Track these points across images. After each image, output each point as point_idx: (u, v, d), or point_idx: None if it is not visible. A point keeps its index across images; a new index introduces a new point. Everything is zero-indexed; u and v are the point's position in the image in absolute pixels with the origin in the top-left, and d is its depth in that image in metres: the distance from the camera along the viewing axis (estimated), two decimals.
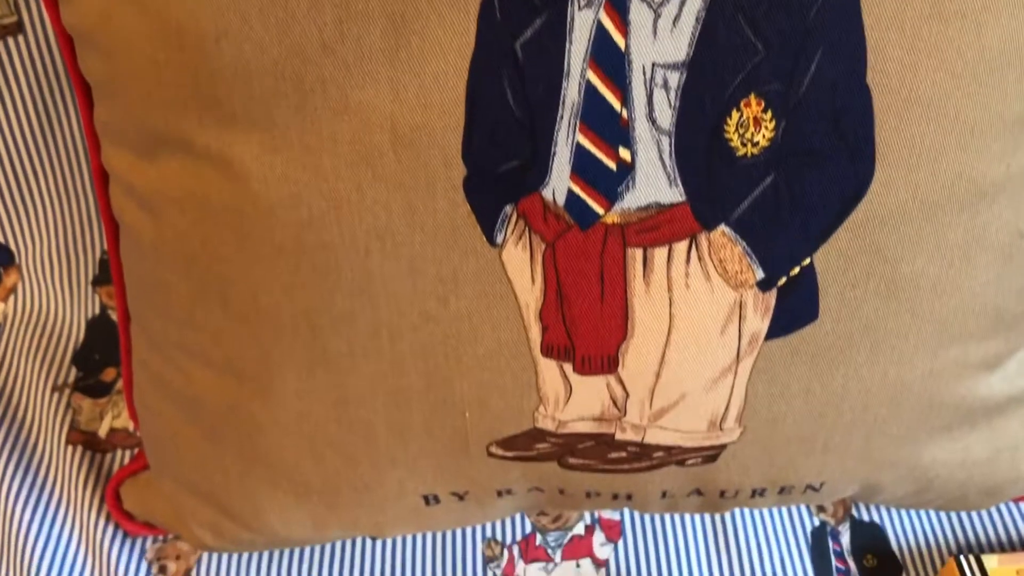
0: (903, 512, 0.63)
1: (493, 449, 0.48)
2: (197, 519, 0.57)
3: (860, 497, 0.56)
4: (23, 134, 0.70)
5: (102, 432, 0.68)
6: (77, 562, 0.62)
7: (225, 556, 0.62)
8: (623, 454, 0.47)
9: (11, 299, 0.73)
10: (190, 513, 0.57)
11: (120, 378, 0.70)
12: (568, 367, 0.44)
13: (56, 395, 0.69)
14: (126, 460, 0.66)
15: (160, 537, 0.63)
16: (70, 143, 0.70)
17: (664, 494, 0.51)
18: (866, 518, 0.63)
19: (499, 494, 0.51)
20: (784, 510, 0.63)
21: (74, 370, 0.71)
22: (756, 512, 0.63)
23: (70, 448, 0.67)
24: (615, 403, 0.45)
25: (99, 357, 0.71)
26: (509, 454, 0.47)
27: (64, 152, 0.71)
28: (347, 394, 0.46)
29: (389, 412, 0.46)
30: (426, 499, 0.51)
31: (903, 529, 0.62)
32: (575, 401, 0.45)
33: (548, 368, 0.44)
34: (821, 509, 0.63)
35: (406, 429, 0.47)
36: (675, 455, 0.47)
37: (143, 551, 0.63)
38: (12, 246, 0.73)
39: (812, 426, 0.47)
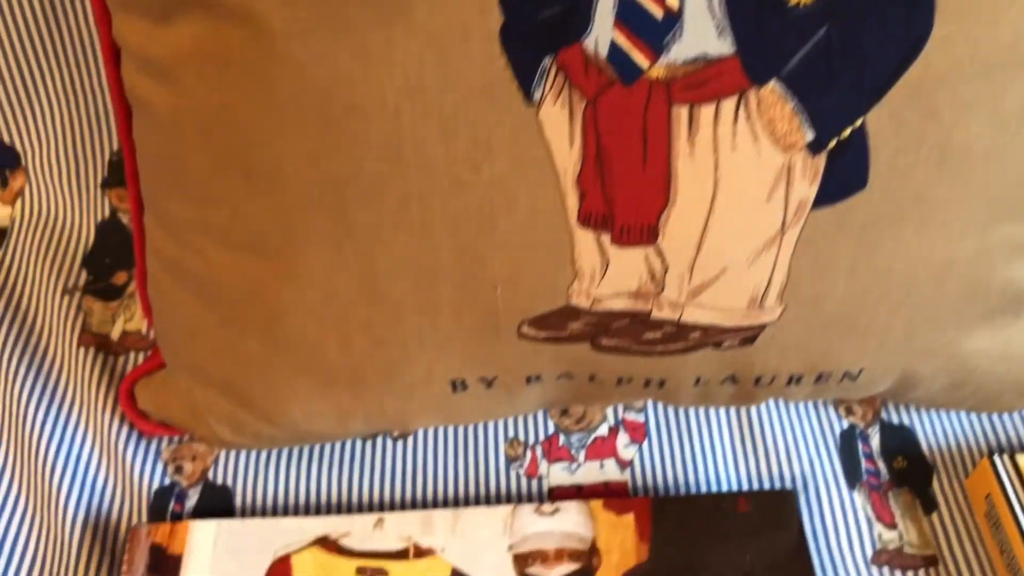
0: (933, 415, 0.62)
1: (524, 329, 0.46)
2: (215, 414, 0.56)
3: (895, 392, 0.55)
4: (28, 32, 0.68)
5: (114, 335, 0.66)
6: (92, 462, 0.61)
7: (243, 456, 0.61)
8: (658, 334, 0.46)
9: (18, 202, 0.72)
10: (207, 408, 0.56)
11: (131, 282, 0.69)
12: (606, 238, 0.42)
13: (67, 298, 0.67)
14: (139, 362, 0.65)
15: (176, 438, 0.62)
16: (77, 41, 0.68)
17: (697, 381, 0.50)
18: (896, 421, 0.62)
19: (528, 381, 0.50)
20: (813, 413, 0.62)
21: (84, 273, 0.69)
22: (784, 414, 0.61)
23: (82, 350, 0.65)
24: (653, 278, 0.44)
25: (109, 261, 0.69)
26: (541, 334, 0.46)
27: (71, 50, 0.68)
28: (375, 271, 0.45)
29: (419, 290, 0.45)
30: (454, 385, 0.50)
31: (933, 431, 0.61)
32: (611, 275, 0.43)
33: (584, 239, 0.42)
34: (850, 412, 0.62)
35: (436, 308, 0.45)
36: (712, 336, 0.46)
37: (159, 452, 0.62)
38: (18, 148, 0.71)
39: (855, 306, 0.45)
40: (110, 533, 0.59)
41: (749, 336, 0.46)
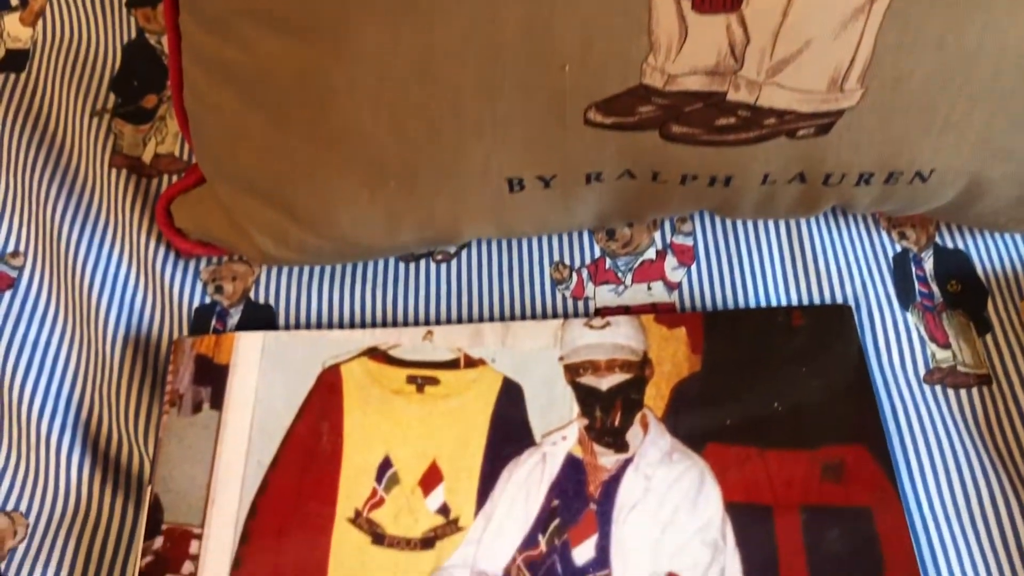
0: (989, 238, 0.60)
1: (591, 115, 0.44)
2: (258, 225, 0.54)
3: (959, 204, 0.53)
4: None
5: (146, 157, 0.64)
6: (130, 282, 0.59)
7: (284, 275, 0.60)
8: (732, 120, 0.44)
9: (39, 23, 0.69)
10: (250, 219, 0.55)
11: (162, 105, 0.66)
12: (686, 4, 0.40)
13: (95, 120, 0.65)
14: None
15: (215, 258, 0.61)
16: None
17: (765, 178, 0.48)
18: (950, 245, 0.60)
19: (587, 180, 0.48)
20: (865, 236, 0.60)
21: (112, 96, 0.67)
22: (836, 237, 0.60)
23: (114, 171, 0.63)
24: (732, 52, 0.41)
25: (138, 83, 0.67)
26: (608, 120, 0.44)
27: None
28: (434, 50, 0.43)
29: (480, 69, 0.43)
30: (510, 183, 0.48)
31: (989, 255, 0.60)
32: (689, 48, 0.41)
33: (663, 6, 0.40)
34: (903, 236, 0.61)
35: (497, 90, 0.43)
36: (787, 123, 0.44)
37: (197, 272, 0.60)
38: None
39: (936, 92, 0.43)
40: (151, 350, 0.58)
41: (825, 124, 0.44)
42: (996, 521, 0.51)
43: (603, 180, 0.49)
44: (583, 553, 0.48)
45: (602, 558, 0.48)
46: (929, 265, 0.60)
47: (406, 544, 0.48)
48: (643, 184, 0.49)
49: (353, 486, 0.50)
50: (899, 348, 0.57)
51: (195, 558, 0.48)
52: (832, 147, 0.46)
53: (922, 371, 0.56)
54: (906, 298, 0.58)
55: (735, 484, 0.49)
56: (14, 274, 0.60)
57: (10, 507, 0.53)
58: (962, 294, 0.59)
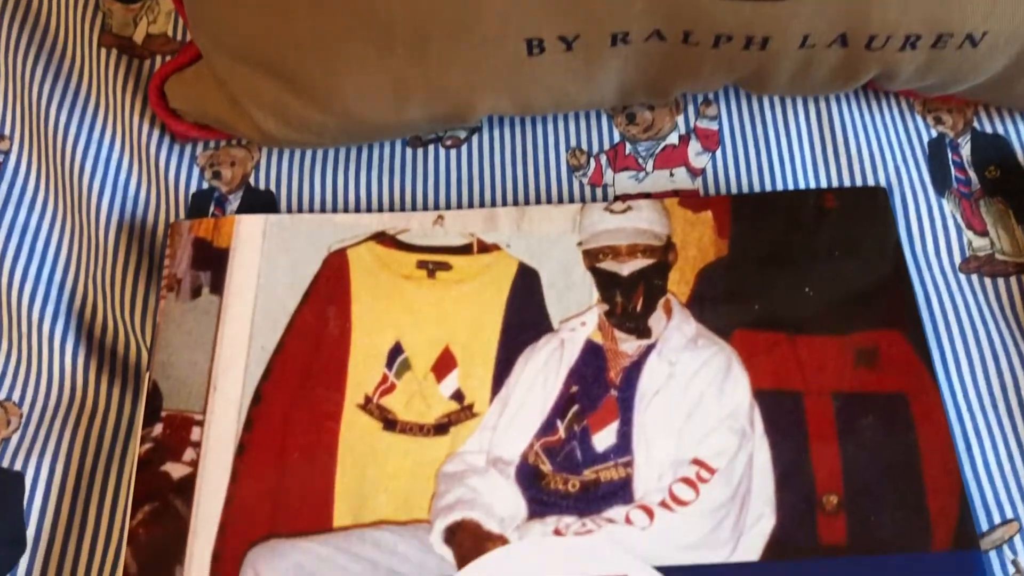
0: None
1: None
2: (257, 100, 0.51)
3: (1008, 78, 0.50)
4: None
5: (137, 37, 0.61)
6: (123, 165, 0.56)
7: (286, 160, 0.57)
8: None
9: None
10: (249, 95, 0.51)
11: None
12: None
13: None
14: None
15: (212, 142, 0.58)
16: None
17: (805, 40, 0.45)
18: (989, 130, 0.57)
19: (613, 41, 0.45)
20: (899, 121, 0.57)
21: None
22: (868, 121, 0.57)
23: (103, 51, 0.60)
24: None
25: None
26: None
27: None
28: None
29: None
30: (529, 45, 0.45)
31: None
32: None
33: None
34: (939, 121, 0.57)
35: None
36: None
37: (194, 157, 0.57)
38: None
39: None
40: (147, 236, 0.55)
41: None
42: None
43: (630, 42, 0.45)
44: (604, 439, 0.46)
45: (624, 444, 0.46)
46: (966, 151, 0.57)
47: (419, 430, 0.46)
48: (672, 48, 0.46)
49: (362, 372, 0.47)
50: (934, 236, 0.54)
51: (197, 445, 0.46)
52: (877, 5, 0.42)
53: (957, 260, 0.53)
54: (942, 184, 0.55)
55: (764, 370, 0.47)
56: (0, 158, 0.57)
57: (2, 396, 0.50)
58: (1001, 180, 0.56)
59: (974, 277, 0.53)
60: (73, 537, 0.47)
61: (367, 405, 0.47)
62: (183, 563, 0.43)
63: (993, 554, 0.46)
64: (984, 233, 0.54)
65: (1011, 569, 0.46)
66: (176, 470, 0.45)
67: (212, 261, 0.51)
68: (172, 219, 0.55)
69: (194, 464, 0.45)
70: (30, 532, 0.47)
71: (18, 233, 0.54)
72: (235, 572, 0.43)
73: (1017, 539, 0.46)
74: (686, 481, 0.45)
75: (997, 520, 0.47)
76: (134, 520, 0.44)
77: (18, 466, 0.48)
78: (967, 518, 0.43)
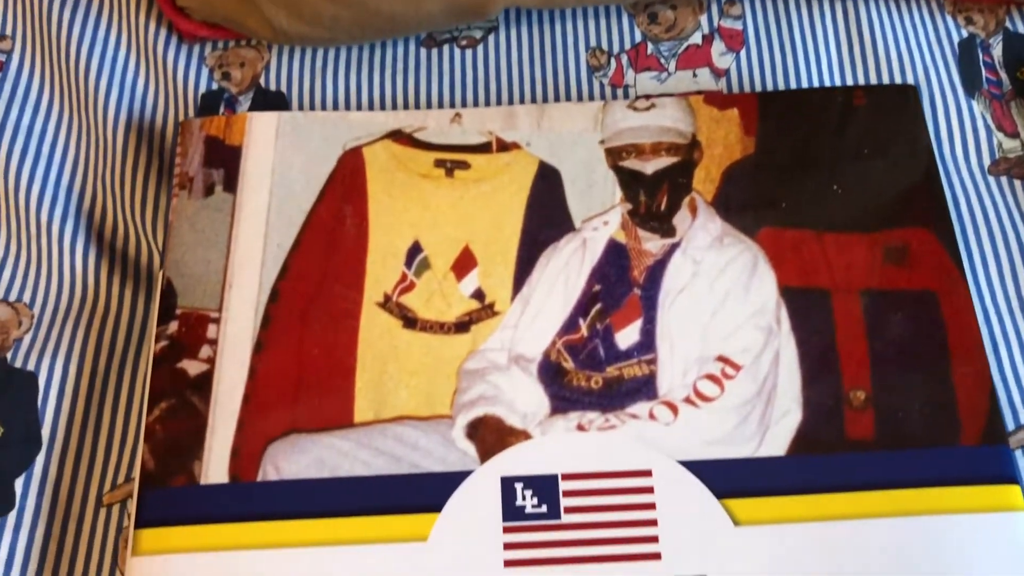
0: None
1: None
2: None
3: None
4: None
5: None
6: (129, 65, 0.55)
7: (297, 60, 0.55)
8: None
9: None
10: None
11: None
12: None
13: None
14: None
15: (220, 43, 0.56)
16: None
17: None
18: (1021, 30, 0.56)
19: None
20: (928, 21, 0.55)
21: None
22: (896, 21, 0.55)
23: None
24: None
25: None
26: None
27: None
28: None
29: None
30: None
31: None
32: None
33: None
34: (970, 22, 0.56)
35: None
36: None
37: (203, 57, 0.55)
38: None
39: None
40: (156, 137, 0.53)
41: None
42: None
43: None
44: (627, 337, 0.45)
45: (647, 342, 0.45)
46: (997, 51, 0.55)
47: (439, 328, 0.45)
48: None
49: (381, 270, 0.47)
50: (963, 137, 0.53)
51: (213, 342, 0.45)
52: None
53: (987, 161, 0.52)
54: (972, 85, 0.54)
55: (791, 268, 0.46)
56: (2, 58, 0.55)
57: (12, 298, 0.50)
58: None
59: (1003, 179, 0.52)
60: (88, 435, 0.46)
61: (386, 303, 0.46)
62: (201, 459, 0.43)
63: (1019, 453, 0.46)
64: (1015, 135, 0.53)
65: None
66: (192, 367, 0.45)
67: (225, 159, 0.49)
68: (182, 118, 0.54)
69: (211, 361, 0.45)
70: (45, 431, 0.46)
71: (23, 134, 0.53)
72: (254, 468, 0.42)
73: None
74: (711, 378, 0.44)
75: (1023, 422, 0.46)
76: (151, 416, 0.43)
77: (31, 366, 0.47)
78: (996, 414, 0.43)
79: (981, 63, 0.54)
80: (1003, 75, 0.54)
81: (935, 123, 0.53)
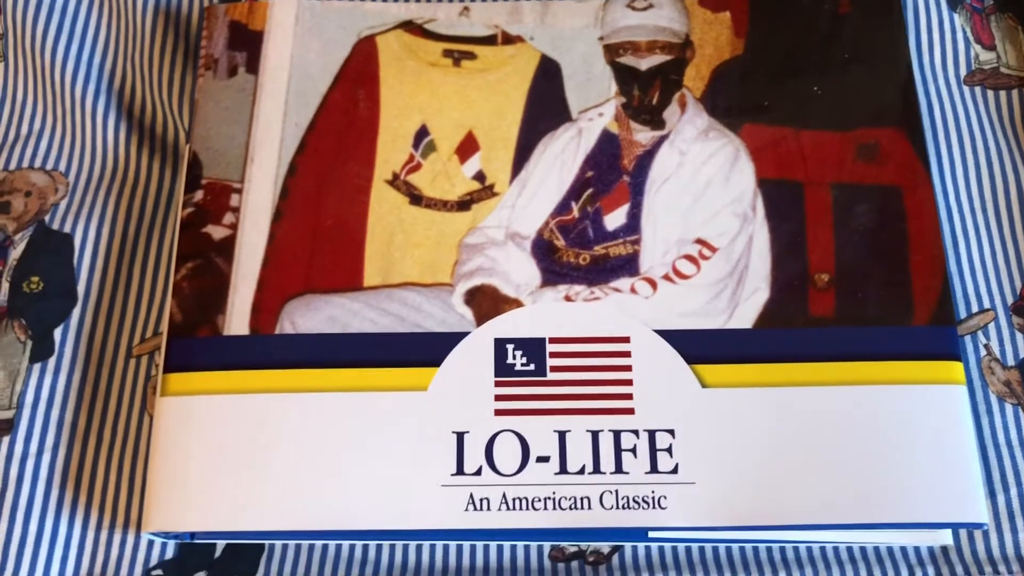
0: None
1: None
2: None
3: None
4: None
5: None
6: None
7: None
8: None
9: None
10: None
11: None
12: None
13: None
14: None
15: None
16: None
17: None
18: None
19: None
20: None
21: None
22: None
23: None
24: None
25: None
26: None
27: None
28: None
29: None
30: None
31: None
32: None
33: None
34: None
35: None
36: None
37: None
38: None
39: None
40: (182, 20, 0.57)
41: None
42: (1021, 217, 0.52)
43: None
44: (615, 219, 0.49)
45: (633, 224, 0.49)
46: None
47: (443, 205, 0.49)
48: None
49: (390, 151, 0.50)
50: (942, 48, 0.56)
51: (236, 210, 0.49)
52: None
53: (963, 72, 0.55)
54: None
55: (769, 161, 0.50)
56: None
57: (50, 166, 0.54)
58: None
59: (977, 89, 0.55)
60: (120, 292, 0.51)
61: (395, 181, 0.50)
62: (224, 313, 0.47)
63: (968, 339, 0.50)
64: (991, 47, 0.56)
65: (983, 352, 0.50)
66: (217, 232, 0.49)
67: (247, 42, 0.53)
68: (206, 5, 0.57)
69: (233, 227, 0.49)
70: (80, 287, 0.51)
71: (58, 14, 0.56)
72: (273, 322, 0.47)
73: (991, 326, 0.50)
74: (689, 258, 0.48)
75: (975, 310, 0.51)
76: (178, 275, 0.48)
77: (67, 228, 0.52)
78: (947, 299, 0.47)
79: None
80: None
81: (917, 33, 0.56)
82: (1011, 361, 0.49)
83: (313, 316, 0.47)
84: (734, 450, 0.44)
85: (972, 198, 0.53)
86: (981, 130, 0.54)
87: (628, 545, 0.47)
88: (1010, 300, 0.51)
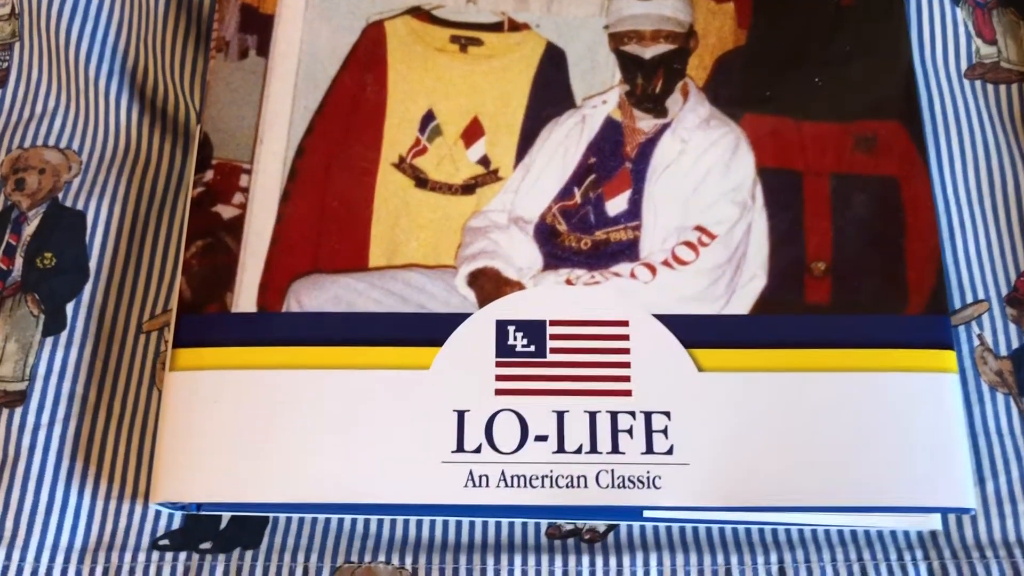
0: None
1: None
2: None
3: None
4: None
5: None
6: None
7: None
8: None
9: None
10: None
11: None
12: None
13: None
14: None
15: None
16: None
17: None
18: None
19: None
20: None
21: None
22: None
23: None
24: None
25: None
26: None
27: None
28: None
29: None
30: None
31: None
32: None
33: None
34: None
35: None
36: None
37: None
38: None
39: None
40: (195, 2, 0.58)
41: None
42: (1017, 210, 0.53)
43: None
44: (616, 205, 0.50)
45: (634, 211, 0.50)
46: None
47: (448, 189, 0.50)
48: None
49: (397, 134, 0.51)
50: (944, 42, 0.56)
51: (245, 190, 0.50)
52: None
53: (964, 66, 0.56)
54: None
55: (769, 151, 0.50)
56: None
57: (63, 144, 0.55)
58: None
59: (977, 83, 0.56)
60: (131, 269, 0.52)
61: (401, 164, 0.51)
62: (232, 290, 0.48)
63: (962, 329, 0.51)
64: (993, 42, 0.56)
65: (976, 341, 0.51)
66: (226, 211, 0.50)
67: (258, 25, 0.54)
68: None
69: (242, 207, 0.50)
70: (92, 263, 0.52)
71: None
72: (279, 300, 0.48)
73: (985, 317, 0.51)
74: (688, 244, 0.49)
75: (970, 300, 0.51)
76: (188, 253, 0.49)
77: (80, 206, 0.53)
78: (941, 289, 0.48)
79: None
80: None
81: (919, 27, 0.56)
82: (1004, 351, 0.50)
83: (319, 295, 0.48)
84: (728, 433, 0.45)
85: (970, 190, 0.53)
86: (980, 124, 0.55)
87: (623, 524, 0.48)
88: (1004, 291, 0.51)
